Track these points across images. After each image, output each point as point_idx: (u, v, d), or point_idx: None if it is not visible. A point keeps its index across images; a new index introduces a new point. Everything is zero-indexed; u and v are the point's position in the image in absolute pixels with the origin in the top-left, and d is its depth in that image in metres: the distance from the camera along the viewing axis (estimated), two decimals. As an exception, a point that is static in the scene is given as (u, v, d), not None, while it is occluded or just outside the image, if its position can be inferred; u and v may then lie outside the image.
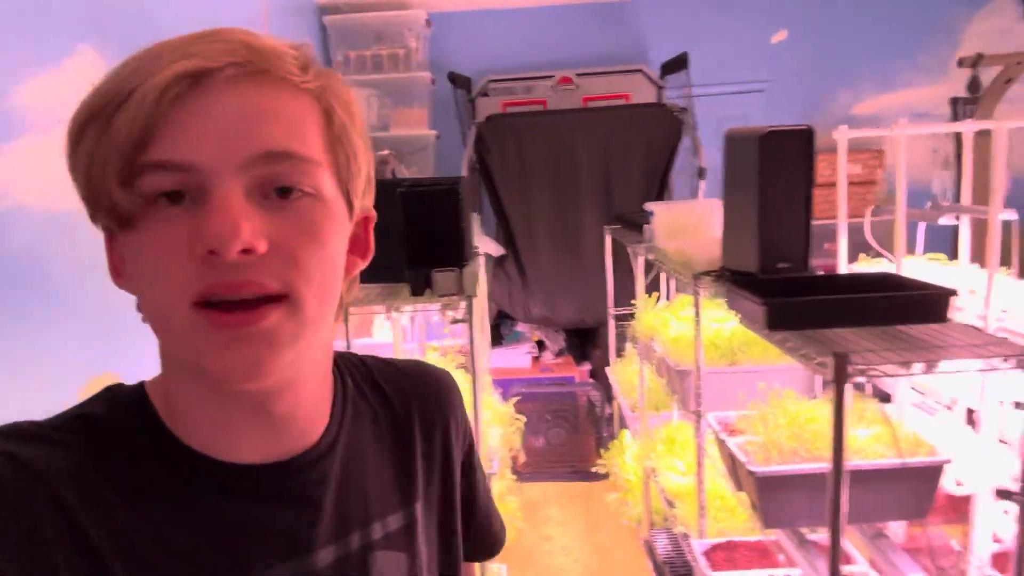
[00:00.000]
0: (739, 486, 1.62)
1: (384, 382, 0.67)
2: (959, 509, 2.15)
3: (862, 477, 1.30)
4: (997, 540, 2.07)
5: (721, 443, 1.63)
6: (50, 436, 0.51)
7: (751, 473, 1.43)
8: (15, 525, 0.46)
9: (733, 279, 1.65)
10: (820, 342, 1.26)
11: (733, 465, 1.60)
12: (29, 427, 0.52)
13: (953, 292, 1.27)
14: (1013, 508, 2.11)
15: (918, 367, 1.09)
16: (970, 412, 2.43)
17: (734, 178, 1.78)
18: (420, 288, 1.86)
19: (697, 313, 1.94)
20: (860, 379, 1.15)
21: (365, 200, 0.58)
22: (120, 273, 0.53)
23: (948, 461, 1.38)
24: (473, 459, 0.73)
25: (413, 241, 1.86)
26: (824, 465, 1.41)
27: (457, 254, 1.86)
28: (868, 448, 1.42)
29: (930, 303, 1.28)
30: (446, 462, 0.68)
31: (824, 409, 1.61)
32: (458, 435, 0.70)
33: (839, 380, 1.11)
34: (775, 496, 1.43)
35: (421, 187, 1.88)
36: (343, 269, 0.55)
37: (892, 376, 1.10)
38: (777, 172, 1.66)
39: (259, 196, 0.49)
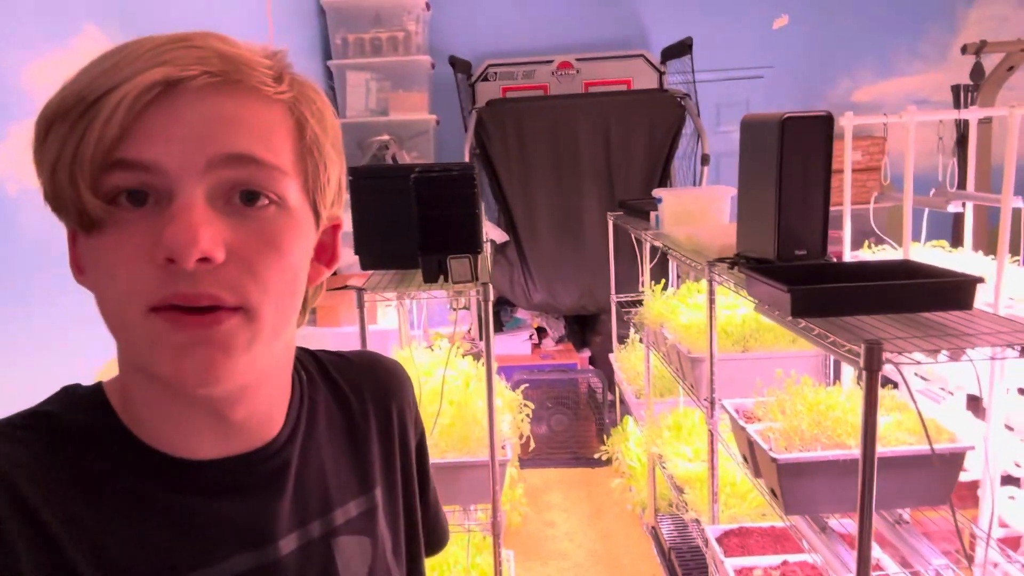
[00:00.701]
0: (757, 473, 1.62)
1: (337, 374, 0.68)
2: (958, 494, 2.17)
3: (887, 464, 1.30)
4: (1003, 525, 2.10)
5: (740, 430, 1.63)
6: (10, 433, 0.51)
7: (773, 460, 1.43)
8: None
9: (751, 266, 1.64)
10: (847, 330, 1.26)
11: (752, 452, 1.60)
12: None
13: (980, 280, 1.26)
14: (1020, 493, 2.14)
15: (951, 355, 1.09)
16: (970, 398, 2.46)
17: (751, 164, 1.77)
18: (433, 275, 1.85)
19: (711, 300, 1.93)
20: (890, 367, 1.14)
21: (334, 209, 0.58)
22: (81, 270, 0.53)
23: (971, 448, 1.39)
24: (424, 449, 0.75)
25: (426, 227, 1.84)
26: (847, 452, 1.42)
27: (471, 240, 1.84)
28: (890, 435, 1.42)
29: (956, 291, 1.28)
30: (404, 447, 0.70)
31: (843, 396, 1.61)
32: (411, 422, 0.72)
33: (872, 368, 1.11)
34: (798, 483, 1.43)
35: (434, 173, 1.86)
36: (305, 278, 0.56)
37: (925, 364, 1.09)
38: (796, 158, 1.65)
39: (222, 202, 0.49)
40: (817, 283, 1.36)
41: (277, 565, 0.57)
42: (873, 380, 1.11)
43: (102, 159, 0.46)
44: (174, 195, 0.48)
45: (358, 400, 0.68)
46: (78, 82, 0.48)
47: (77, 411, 0.54)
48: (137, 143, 0.47)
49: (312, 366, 0.67)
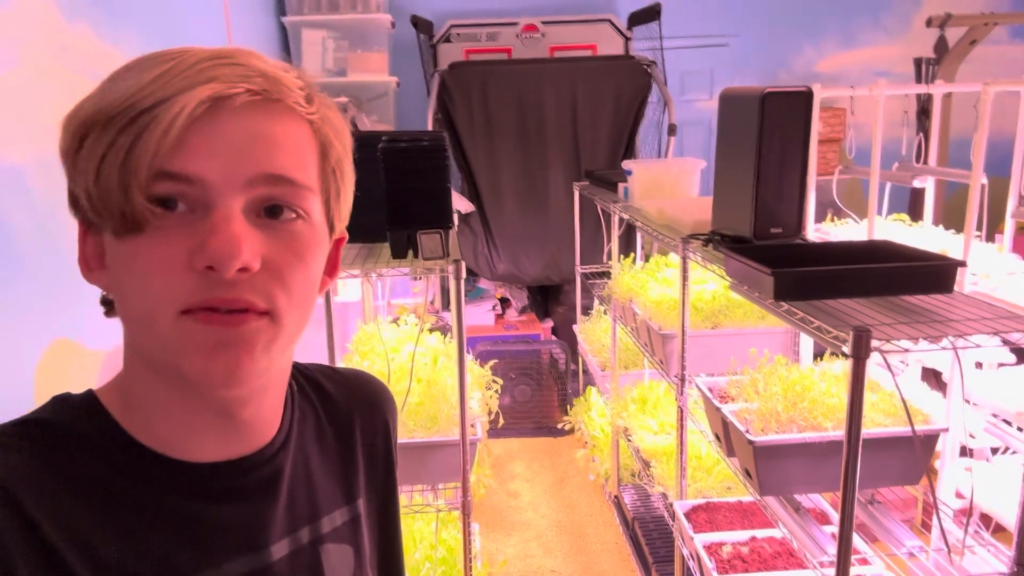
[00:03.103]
0: (730, 452, 1.62)
1: (329, 386, 0.70)
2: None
3: (866, 445, 1.30)
4: (960, 496, 2.16)
5: (714, 410, 1.62)
6: (2, 442, 0.51)
7: (750, 443, 1.42)
8: None
9: (729, 245, 1.61)
10: (829, 314, 1.24)
11: (726, 432, 1.60)
12: None
13: (962, 264, 1.26)
14: (975, 465, 2.20)
15: (944, 342, 1.08)
16: (924, 370, 2.51)
17: (729, 139, 1.73)
18: (403, 250, 1.78)
19: (685, 277, 1.91)
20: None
21: (343, 223, 0.61)
22: (92, 268, 0.54)
23: (945, 429, 1.40)
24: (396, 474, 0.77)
25: (395, 201, 1.76)
26: (824, 434, 1.42)
27: (441, 215, 1.77)
28: (866, 416, 1.43)
29: (939, 275, 1.27)
30: (387, 461, 0.73)
31: (816, 375, 1.61)
32: (394, 439, 0.75)
33: (859, 355, 1.09)
34: (773, 464, 1.43)
35: (402, 143, 1.78)
36: (319, 288, 0.58)
37: (913, 352, 1.08)
38: (775, 134, 1.62)
39: (252, 215, 0.51)
40: (797, 264, 1.34)
41: (270, 570, 0.58)
42: (860, 367, 1.10)
43: (155, 169, 0.48)
44: (212, 206, 0.49)
45: (346, 413, 0.70)
46: (118, 90, 0.49)
47: (71, 417, 0.54)
48: (183, 156, 0.48)
49: (303, 378, 0.69)
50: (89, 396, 0.56)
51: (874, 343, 1.10)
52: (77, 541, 0.49)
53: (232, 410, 0.55)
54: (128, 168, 0.47)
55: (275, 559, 0.58)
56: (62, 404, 0.56)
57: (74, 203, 0.52)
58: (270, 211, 0.52)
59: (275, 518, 0.59)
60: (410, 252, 1.78)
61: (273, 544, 0.59)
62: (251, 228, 0.51)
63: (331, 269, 0.62)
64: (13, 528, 0.48)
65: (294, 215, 0.53)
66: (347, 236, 0.63)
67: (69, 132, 0.50)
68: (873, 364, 2.25)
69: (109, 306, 0.56)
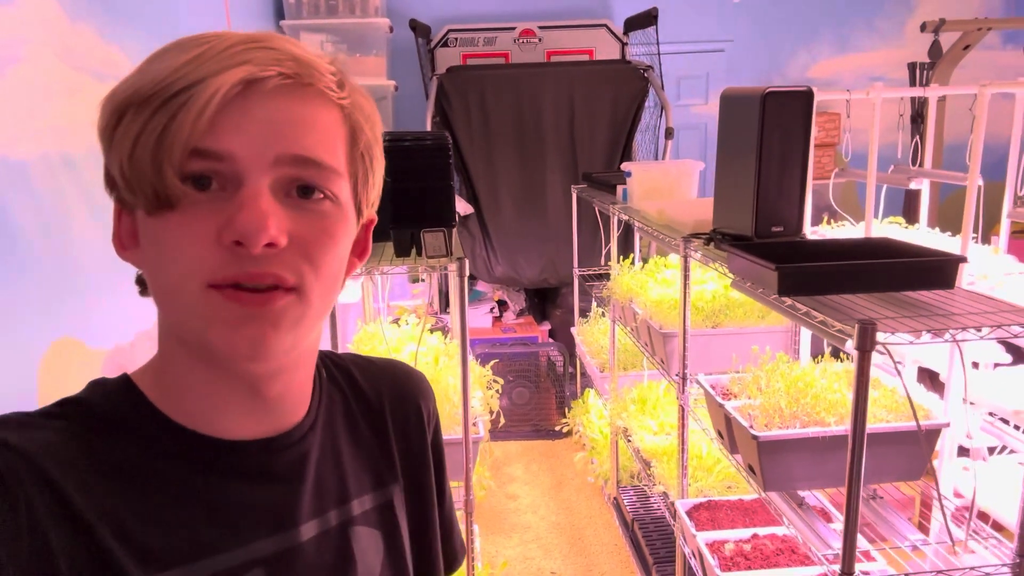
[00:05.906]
0: (733, 449, 1.63)
1: (359, 374, 0.71)
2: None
3: (869, 440, 1.31)
4: (959, 495, 2.17)
5: (717, 407, 1.63)
6: (38, 422, 0.53)
7: (754, 438, 1.43)
8: (11, 512, 0.48)
9: (731, 243, 1.63)
10: (833, 309, 1.25)
11: (729, 429, 1.61)
12: (17, 416, 0.54)
13: (963, 259, 1.27)
14: (973, 465, 2.21)
15: (947, 336, 1.09)
16: (921, 371, 2.53)
17: (730, 139, 1.75)
18: (406, 249, 1.78)
19: (686, 276, 1.92)
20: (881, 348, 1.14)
21: (372, 208, 0.62)
22: (127, 247, 0.55)
23: (947, 424, 1.41)
24: (441, 458, 0.75)
25: (398, 199, 1.77)
26: (827, 429, 1.43)
27: (445, 213, 1.78)
28: (869, 411, 1.44)
29: (940, 270, 1.29)
30: (421, 447, 0.73)
31: (817, 372, 1.63)
32: (430, 424, 0.74)
33: (864, 348, 1.10)
34: (777, 460, 1.43)
35: (406, 142, 1.78)
36: (345, 269, 0.60)
37: (917, 344, 1.09)
38: (775, 134, 1.64)
39: (282, 193, 0.53)
40: (799, 261, 1.36)
41: (298, 550, 0.59)
42: (865, 360, 1.11)
43: (188, 147, 0.49)
44: (241, 183, 0.51)
45: (377, 400, 0.70)
46: (152, 72, 0.50)
47: (105, 397, 0.56)
48: (216, 135, 0.50)
49: (333, 366, 0.70)
50: (123, 378, 0.58)
51: (879, 336, 1.11)
52: (107, 516, 0.51)
53: (260, 386, 0.56)
54: (162, 147, 0.49)
55: (303, 540, 0.59)
56: (96, 386, 0.57)
57: (110, 182, 0.54)
58: (302, 191, 0.53)
59: (303, 499, 0.60)
60: (413, 251, 1.79)
61: (302, 524, 0.59)
62: (279, 205, 0.52)
63: (360, 252, 0.63)
64: (45, 503, 0.49)
65: (323, 196, 0.54)
66: (376, 219, 0.64)
67: (107, 112, 0.52)
68: (873, 361, 2.27)
69: (143, 286, 0.57)
